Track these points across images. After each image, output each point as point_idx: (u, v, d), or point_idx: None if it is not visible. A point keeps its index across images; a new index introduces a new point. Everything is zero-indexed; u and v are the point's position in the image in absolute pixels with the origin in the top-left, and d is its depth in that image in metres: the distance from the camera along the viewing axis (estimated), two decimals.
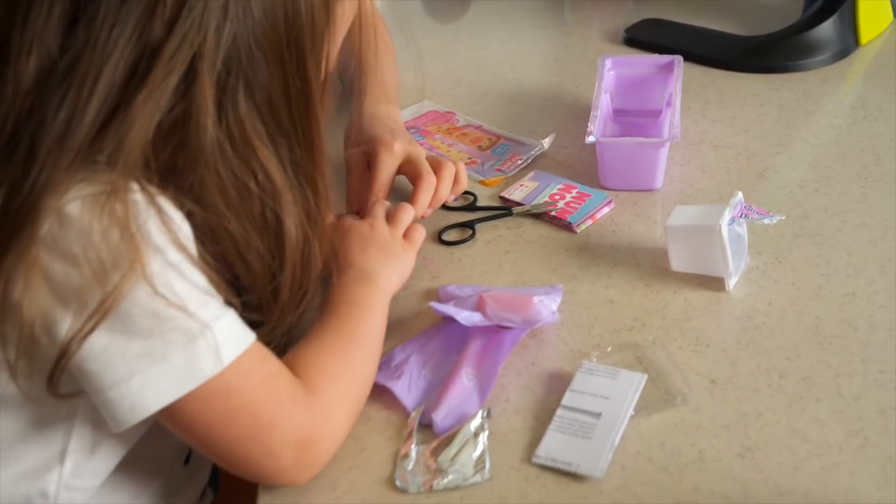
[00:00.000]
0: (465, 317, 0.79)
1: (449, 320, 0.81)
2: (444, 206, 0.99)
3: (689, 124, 1.09)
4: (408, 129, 1.12)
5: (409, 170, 0.94)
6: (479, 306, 0.81)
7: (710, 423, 0.72)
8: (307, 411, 0.68)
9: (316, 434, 0.68)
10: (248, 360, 0.65)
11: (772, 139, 1.07)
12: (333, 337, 0.75)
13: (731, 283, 0.85)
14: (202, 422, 0.65)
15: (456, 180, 0.95)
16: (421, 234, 0.90)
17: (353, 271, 0.81)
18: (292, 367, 0.70)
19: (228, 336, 0.64)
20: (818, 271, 0.87)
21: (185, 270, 0.62)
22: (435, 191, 0.93)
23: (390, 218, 0.89)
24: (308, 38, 0.66)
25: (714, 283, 0.85)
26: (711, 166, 1.02)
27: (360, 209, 0.93)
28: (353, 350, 0.75)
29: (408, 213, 0.90)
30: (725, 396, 0.74)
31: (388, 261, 0.84)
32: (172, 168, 0.63)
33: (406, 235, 0.88)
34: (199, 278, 0.63)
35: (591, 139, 0.96)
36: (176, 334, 0.61)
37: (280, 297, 0.70)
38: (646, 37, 1.28)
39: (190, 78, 0.61)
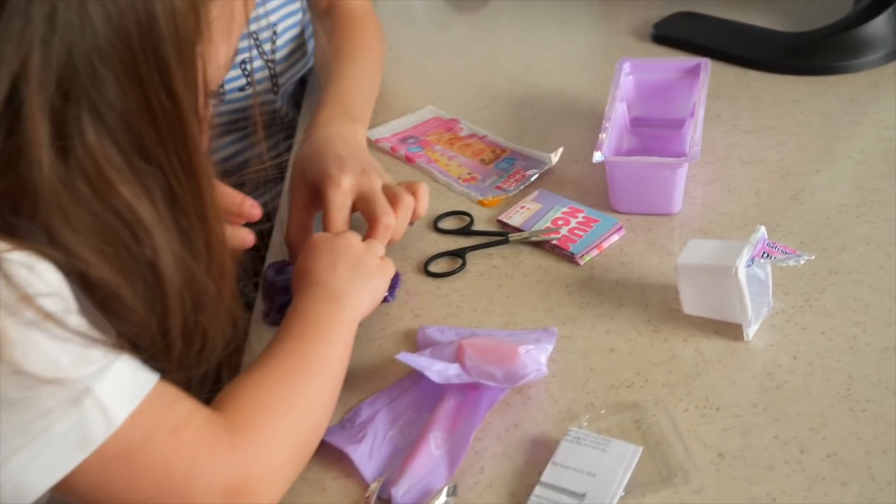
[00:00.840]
0: (438, 370, 0.69)
1: None
2: (437, 230, 0.90)
3: (717, 136, 0.98)
4: (407, 138, 1.04)
5: (362, 207, 0.83)
6: (457, 355, 0.72)
7: None
8: (233, 453, 0.60)
9: (248, 477, 0.60)
10: (148, 411, 0.57)
11: (810, 154, 0.94)
12: (279, 363, 0.67)
13: (751, 331, 0.73)
14: (106, 490, 0.56)
15: (414, 211, 0.83)
16: (393, 266, 0.80)
17: (317, 290, 0.73)
18: (223, 402, 0.62)
19: (120, 387, 0.55)
20: (854, 318, 0.75)
21: (49, 326, 0.53)
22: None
23: (368, 233, 0.80)
24: (171, 46, 0.55)
25: (731, 330, 0.74)
26: (739, 186, 0.91)
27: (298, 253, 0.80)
28: (301, 376, 0.66)
29: (388, 233, 0.81)
30: (734, 474, 0.64)
31: (361, 280, 0.75)
32: (17, 213, 0.54)
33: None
34: (67, 333, 0.54)
35: (598, 158, 0.85)
36: (55, 400, 0.53)
37: (173, 347, 0.61)
38: (676, 33, 1.16)
39: (14, 106, 0.50)
